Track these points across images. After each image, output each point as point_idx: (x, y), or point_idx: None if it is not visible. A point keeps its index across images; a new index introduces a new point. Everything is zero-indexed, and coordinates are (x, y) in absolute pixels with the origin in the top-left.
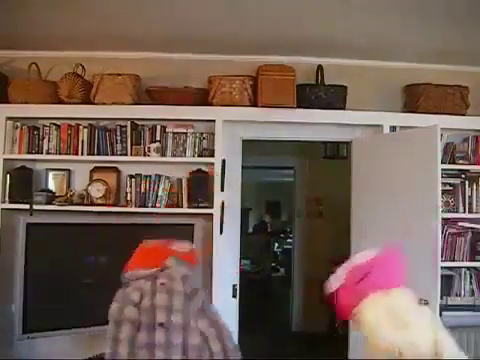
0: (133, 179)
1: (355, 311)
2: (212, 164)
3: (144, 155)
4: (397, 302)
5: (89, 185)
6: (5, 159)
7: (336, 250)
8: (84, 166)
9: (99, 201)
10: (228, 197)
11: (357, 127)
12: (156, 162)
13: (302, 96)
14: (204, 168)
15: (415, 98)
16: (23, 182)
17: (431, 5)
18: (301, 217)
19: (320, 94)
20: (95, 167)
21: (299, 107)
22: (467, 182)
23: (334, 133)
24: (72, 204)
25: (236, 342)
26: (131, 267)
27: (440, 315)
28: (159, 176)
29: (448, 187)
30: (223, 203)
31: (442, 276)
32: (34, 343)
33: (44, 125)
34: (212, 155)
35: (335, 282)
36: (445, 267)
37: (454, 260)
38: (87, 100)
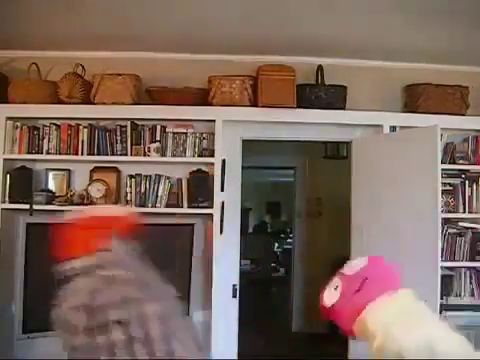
0: (133, 179)
1: (358, 320)
2: (212, 164)
3: (144, 155)
4: (408, 302)
5: (89, 185)
6: (5, 159)
7: (336, 250)
8: (84, 166)
9: (99, 201)
10: (228, 197)
11: (357, 127)
12: (156, 162)
13: (302, 96)
14: (204, 168)
15: (415, 98)
16: (23, 182)
17: (431, 5)
18: (301, 217)
19: (320, 94)
20: (95, 167)
21: (299, 107)
22: (467, 182)
23: (334, 133)
24: (72, 204)
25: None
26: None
27: (440, 315)
28: (159, 176)
29: (448, 187)
30: (223, 203)
31: (442, 276)
32: (34, 343)
33: (44, 125)
34: (212, 155)
35: (330, 299)
36: (445, 267)
37: (454, 260)
38: (87, 100)
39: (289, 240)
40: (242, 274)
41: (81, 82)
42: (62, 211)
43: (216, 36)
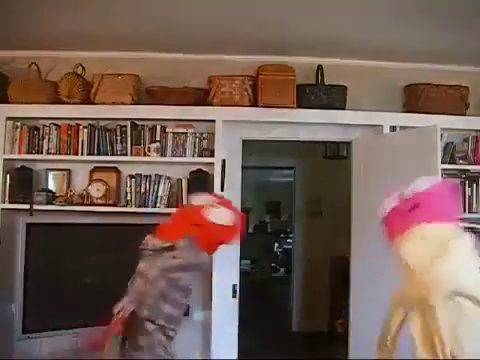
0: (133, 179)
1: (402, 236)
2: (212, 164)
3: (144, 155)
4: (447, 234)
5: (89, 185)
6: (5, 159)
7: (336, 250)
8: (84, 166)
9: (99, 201)
10: (228, 197)
11: (357, 127)
12: (156, 162)
13: (302, 96)
14: (204, 168)
15: (415, 98)
16: (23, 182)
17: (431, 5)
18: (301, 217)
19: (320, 94)
20: (95, 167)
21: (299, 107)
22: (467, 182)
23: (334, 133)
24: (72, 204)
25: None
26: (158, 230)
27: None
28: (159, 176)
29: None
30: None
31: None
32: (34, 343)
33: (44, 125)
34: (212, 155)
35: (389, 204)
36: None
37: None
38: (87, 100)
39: (289, 240)
40: (242, 274)
41: (81, 82)
42: (62, 211)
43: (216, 36)
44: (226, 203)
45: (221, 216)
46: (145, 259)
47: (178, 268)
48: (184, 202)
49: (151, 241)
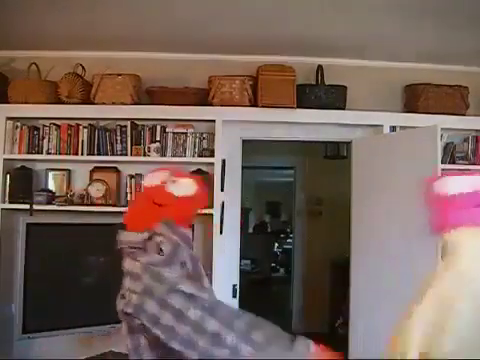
0: (133, 179)
1: (454, 230)
2: (212, 164)
3: (144, 155)
4: None
5: (89, 185)
6: (5, 159)
7: (336, 250)
8: (84, 166)
9: (99, 201)
10: (228, 197)
11: (357, 127)
12: (156, 162)
13: (302, 96)
14: (204, 168)
15: (415, 98)
16: (23, 182)
17: (431, 5)
18: (301, 217)
19: (320, 94)
20: (95, 167)
21: (299, 107)
22: None
23: (334, 133)
24: (72, 204)
25: None
26: (125, 223)
27: None
28: None
29: None
30: (223, 203)
31: None
32: (34, 343)
33: (44, 125)
34: (212, 155)
35: (454, 188)
36: None
37: None
38: (87, 100)
39: (289, 240)
40: (242, 274)
41: (81, 82)
42: (62, 211)
43: (216, 36)
44: (180, 173)
45: (184, 187)
46: (128, 257)
47: (164, 263)
48: None
49: (126, 237)
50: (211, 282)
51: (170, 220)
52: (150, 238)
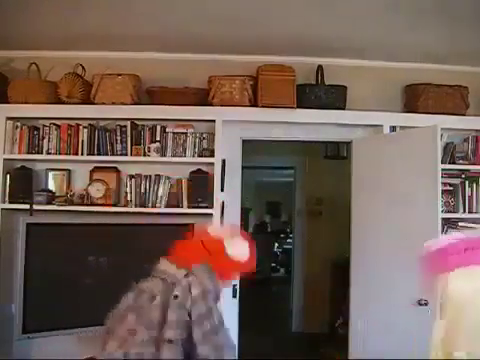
0: (133, 179)
1: (449, 275)
2: (212, 164)
3: (144, 155)
4: None
5: (89, 185)
6: (5, 159)
7: (336, 250)
8: (84, 166)
9: (99, 201)
10: (228, 197)
11: (357, 127)
12: (156, 162)
13: (302, 96)
14: (204, 168)
15: (415, 98)
16: (23, 182)
17: (431, 5)
18: (301, 217)
19: (320, 94)
20: (95, 167)
21: (299, 107)
22: (467, 182)
23: (334, 133)
24: (72, 204)
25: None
26: (172, 254)
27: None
28: (159, 176)
29: (448, 187)
30: (223, 203)
31: None
32: (34, 343)
33: (44, 125)
34: (212, 155)
35: (436, 244)
36: None
37: None
38: (87, 100)
39: (289, 240)
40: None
41: (81, 82)
42: (62, 211)
43: (216, 36)
44: (243, 234)
45: (238, 249)
46: (155, 281)
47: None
48: (183, 202)
49: (164, 266)
50: None
51: (210, 265)
52: (186, 275)
